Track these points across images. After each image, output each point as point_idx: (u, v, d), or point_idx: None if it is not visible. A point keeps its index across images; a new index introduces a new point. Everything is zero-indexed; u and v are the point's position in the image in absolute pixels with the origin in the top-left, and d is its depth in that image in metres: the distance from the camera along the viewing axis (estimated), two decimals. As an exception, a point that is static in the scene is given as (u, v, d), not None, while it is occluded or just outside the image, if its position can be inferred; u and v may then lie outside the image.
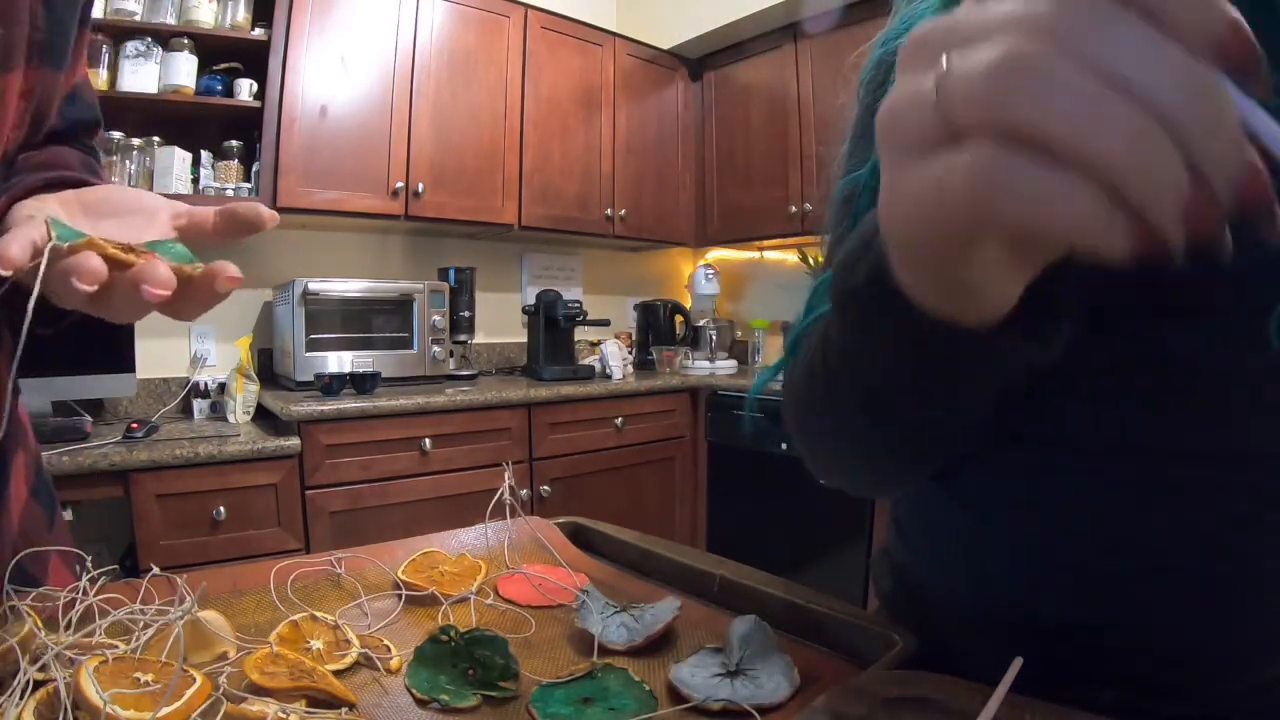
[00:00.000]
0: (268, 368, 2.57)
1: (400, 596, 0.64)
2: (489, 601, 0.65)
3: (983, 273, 0.27)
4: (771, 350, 3.32)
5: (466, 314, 2.77)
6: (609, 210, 3.07)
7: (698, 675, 0.50)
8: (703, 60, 3.33)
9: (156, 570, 0.61)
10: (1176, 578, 0.44)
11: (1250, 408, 0.42)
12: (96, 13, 0.71)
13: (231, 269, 0.48)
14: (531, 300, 2.98)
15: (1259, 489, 0.42)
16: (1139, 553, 0.45)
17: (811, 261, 3.01)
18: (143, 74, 2.09)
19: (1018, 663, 0.44)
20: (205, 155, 2.26)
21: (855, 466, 0.54)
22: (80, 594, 0.53)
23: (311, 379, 2.26)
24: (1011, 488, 0.51)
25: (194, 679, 0.43)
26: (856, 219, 0.52)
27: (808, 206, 2.86)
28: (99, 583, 0.55)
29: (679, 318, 3.38)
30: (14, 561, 0.62)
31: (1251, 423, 0.42)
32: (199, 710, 0.41)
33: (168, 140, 2.16)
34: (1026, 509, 0.50)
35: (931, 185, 0.24)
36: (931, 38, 0.25)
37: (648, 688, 0.49)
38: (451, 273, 2.76)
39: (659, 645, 0.56)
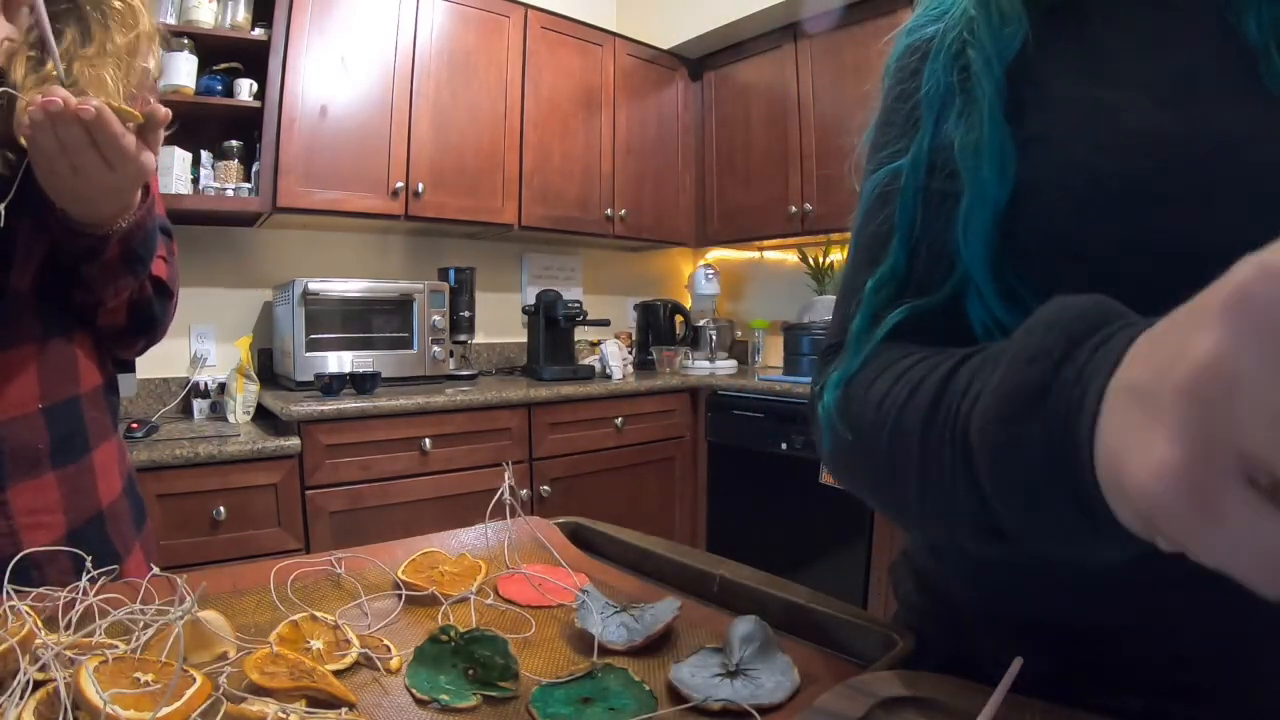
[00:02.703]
0: (268, 368, 2.57)
1: (400, 596, 0.64)
2: (489, 601, 0.65)
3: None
4: (771, 350, 3.32)
5: (466, 314, 2.77)
6: (609, 210, 3.07)
7: (698, 675, 0.50)
8: (703, 60, 3.33)
9: (156, 570, 0.61)
10: (1199, 580, 0.43)
11: None
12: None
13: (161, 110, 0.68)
14: (531, 300, 2.98)
15: None
16: (1160, 555, 0.44)
17: (812, 262, 3.01)
18: (143, 74, 2.08)
19: (1018, 663, 0.44)
20: (205, 155, 2.25)
21: (916, 524, 0.52)
22: (80, 594, 0.53)
23: (311, 379, 2.26)
24: None
25: (194, 679, 0.43)
26: (901, 213, 0.51)
27: (808, 206, 2.86)
28: (99, 583, 0.55)
29: (679, 318, 3.38)
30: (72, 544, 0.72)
31: None
32: (199, 710, 0.41)
33: (167, 140, 2.14)
34: None
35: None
36: None
37: (648, 688, 0.49)
38: (451, 273, 2.76)
39: (659, 645, 0.56)
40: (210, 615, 0.52)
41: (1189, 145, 0.39)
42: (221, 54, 2.22)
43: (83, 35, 0.73)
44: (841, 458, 0.51)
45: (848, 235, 0.58)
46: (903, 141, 0.52)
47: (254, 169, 2.27)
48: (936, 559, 0.61)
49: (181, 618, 0.48)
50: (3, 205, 0.65)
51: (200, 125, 2.24)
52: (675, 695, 0.49)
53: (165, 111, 0.68)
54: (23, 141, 0.65)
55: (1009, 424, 0.34)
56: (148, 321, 0.86)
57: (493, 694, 0.49)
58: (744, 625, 0.54)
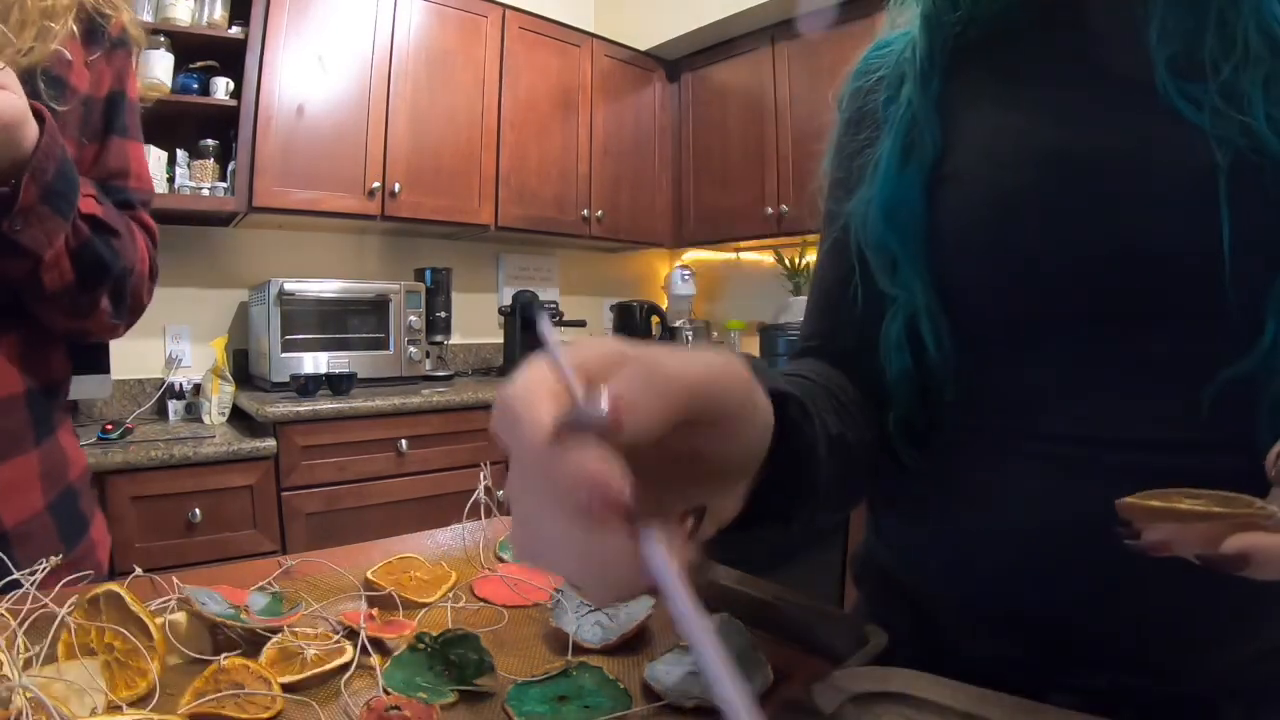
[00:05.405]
0: (243, 368, 2.54)
1: (369, 600, 0.64)
2: (462, 604, 0.65)
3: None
4: (748, 351, 3.33)
5: (443, 314, 2.76)
6: (586, 211, 3.07)
7: (671, 673, 0.51)
8: (680, 62, 3.34)
9: (139, 571, 0.61)
10: (1146, 562, 0.45)
11: (1199, 405, 0.45)
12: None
13: None
14: (508, 301, 2.97)
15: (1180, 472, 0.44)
16: (1104, 537, 0.46)
17: (788, 263, 3.03)
18: (115, 72, 2.06)
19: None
20: (181, 154, 2.23)
21: None
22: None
23: (287, 380, 2.25)
24: (977, 477, 0.53)
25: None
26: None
27: (784, 208, 2.88)
28: (71, 597, 0.55)
29: (655, 319, 3.38)
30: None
31: (1202, 417, 0.45)
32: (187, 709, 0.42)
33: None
34: (997, 497, 0.52)
35: None
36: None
37: (622, 686, 0.50)
38: (428, 273, 2.75)
39: (633, 644, 0.57)
40: (180, 618, 0.52)
41: (1085, 159, 0.41)
42: (198, 52, 2.20)
43: None
44: None
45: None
46: (860, 189, 0.57)
47: (230, 168, 2.25)
48: (893, 552, 0.63)
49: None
50: None
51: (176, 124, 2.22)
52: (649, 693, 0.49)
53: None
54: None
55: None
56: (98, 268, 0.78)
57: (470, 689, 0.50)
58: (716, 623, 0.55)
